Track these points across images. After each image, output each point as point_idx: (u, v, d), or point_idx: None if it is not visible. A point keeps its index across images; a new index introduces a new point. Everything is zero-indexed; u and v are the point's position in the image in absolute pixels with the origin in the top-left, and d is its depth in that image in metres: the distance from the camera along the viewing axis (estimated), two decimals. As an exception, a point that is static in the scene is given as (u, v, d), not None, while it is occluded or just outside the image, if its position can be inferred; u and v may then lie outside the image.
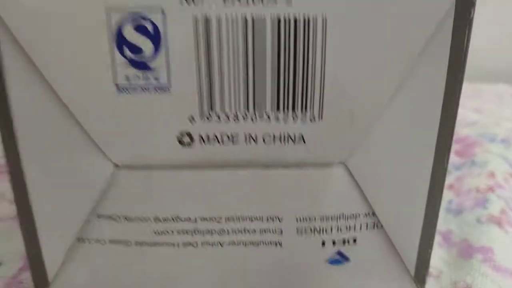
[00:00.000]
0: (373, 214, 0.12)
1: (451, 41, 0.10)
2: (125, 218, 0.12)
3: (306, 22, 0.10)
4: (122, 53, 0.10)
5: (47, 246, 0.13)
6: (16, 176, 0.12)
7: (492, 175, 0.21)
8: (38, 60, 0.10)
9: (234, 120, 0.11)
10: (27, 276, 0.15)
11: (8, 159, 0.11)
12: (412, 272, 0.13)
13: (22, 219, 0.12)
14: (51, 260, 0.13)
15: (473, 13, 0.10)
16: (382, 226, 0.13)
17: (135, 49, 0.10)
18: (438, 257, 0.17)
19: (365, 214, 0.12)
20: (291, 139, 0.11)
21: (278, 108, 0.11)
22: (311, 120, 0.11)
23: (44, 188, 0.12)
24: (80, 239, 0.13)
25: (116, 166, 0.12)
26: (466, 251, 0.16)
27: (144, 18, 0.10)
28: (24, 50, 0.10)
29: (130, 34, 0.10)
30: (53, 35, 0.10)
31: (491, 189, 0.20)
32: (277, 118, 0.11)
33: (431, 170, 0.12)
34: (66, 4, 0.10)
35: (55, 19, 0.10)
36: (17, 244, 0.13)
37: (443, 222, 0.19)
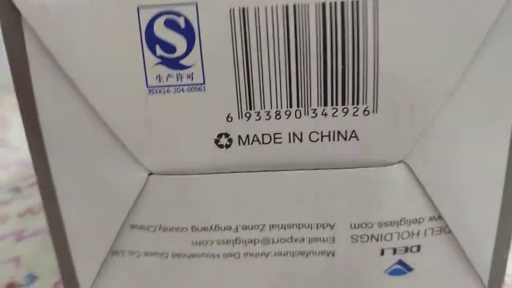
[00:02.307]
0: (439, 217, 0.13)
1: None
2: (161, 228, 0.14)
3: (355, 5, 0.11)
4: (153, 51, 0.12)
5: (80, 260, 0.14)
6: (45, 187, 0.13)
7: None
8: (64, 63, 0.12)
9: (276, 117, 0.12)
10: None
11: (37, 169, 0.13)
12: (486, 281, 0.14)
13: (53, 233, 0.14)
14: (84, 274, 0.14)
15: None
16: (450, 231, 0.13)
17: (167, 47, 0.12)
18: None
19: (430, 218, 0.13)
20: (342, 136, 0.12)
21: (325, 102, 0.12)
22: (364, 114, 0.12)
23: (75, 199, 0.14)
24: (114, 252, 0.14)
25: (150, 173, 0.13)
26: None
27: (175, 13, 0.11)
28: (50, 52, 0.12)
29: (161, 31, 0.11)
30: (79, 35, 0.12)
31: None
32: (325, 114, 0.12)
33: (506, 164, 0.13)
34: (93, 2, 0.11)
35: (82, 18, 0.12)
36: (54, 257, 0.15)
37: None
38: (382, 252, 0.14)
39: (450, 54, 0.11)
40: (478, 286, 0.14)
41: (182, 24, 0.11)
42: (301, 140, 0.12)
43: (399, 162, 0.12)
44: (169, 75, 0.12)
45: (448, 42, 0.11)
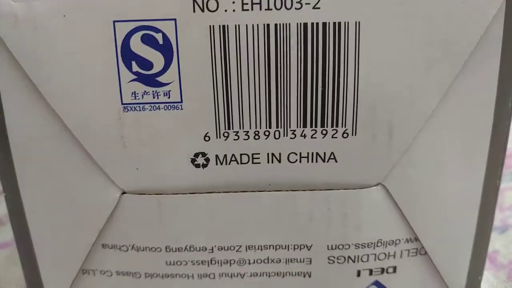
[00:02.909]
0: (416, 239, 0.13)
1: (502, 46, 0.11)
2: (133, 247, 0.13)
3: (337, 28, 0.11)
4: (129, 67, 0.11)
5: (49, 277, 0.14)
6: (13, 203, 0.13)
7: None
8: (35, 76, 0.11)
9: (255, 138, 0.12)
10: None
11: (5, 186, 0.13)
12: (461, 303, 0.14)
13: (21, 250, 0.13)
14: (53, 294, 0.14)
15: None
16: (425, 252, 0.13)
17: (144, 63, 0.11)
18: (484, 281, 0.17)
19: (407, 239, 0.13)
20: (321, 158, 0.12)
21: (305, 123, 0.12)
22: (343, 137, 0.12)
23: (43, 215, 0.13)
24: (84, 271, 0.14)
25: (123, 191, 0.13)
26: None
27: (153, 29, 0.11)
28: (21, 65, 0.11)
29: (138, 47, 0.11)
30: (52, 48, 0.11)
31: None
32: (304, 135, 0.12)
33: (481, 188, 0.13)
34: (67, 12, 0.11)
35: (55, 31, 0.11)
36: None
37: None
38: (359, 273, 0.14)
39: (430, 77, 0.11)
40: (453, 309, 0.14)
41: (160, 40, 0.11)
42: (279, 161, 0.12)
43: (377, 184, 0.12)
44: (145, 92, 0.12)
45: (429, 65, 0.11)
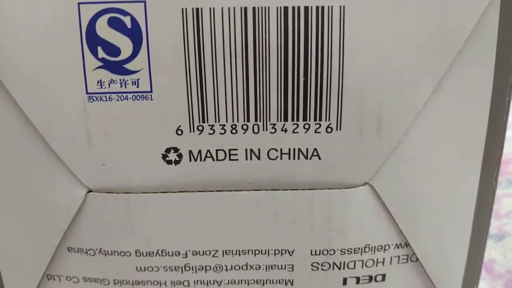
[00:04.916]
0: (406, 245, 0.12)
1: (498, 35, 0.10)
2: (101, 251, 0.12)
3: (320, 12, 0.10)
4: (94, 53, 0.10)
5: (12, 282, 0.13)
6: (-32, 203, 0.12)
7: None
8: (-8, 63, 0.11)
9: (232, 132, 0.11)
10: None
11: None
12: (455, 314, 0.13)
13: (-23, 255, 0.12)
14: (14, 302, 0.13)
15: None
16: (417, 259, 0.13)
17: (111, 49, 0.10)
18: None
19: (396, 245, 0.12)
20: (303, 154, 0.11)
21: (286, 117, 0.11)
22: (327, 131, 0.11)
23: (4, 217, 0.12)
24: (49, 276, 0.13)
25: (89, 190, 0.12)
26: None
27: (121, 12, 0.10)
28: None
29: (105, 31, 0.10)
30: (10, 32, 0.10)
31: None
32: (285, 130, 0.11)
33: (477, 189, 0.12)
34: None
35: (14, 13, 0.10)
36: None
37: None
38: (345, 282, 0.13)
39: (421, 66, 0.11)
40: (446, 320, 0.13)
41: (128, 23, 0.10)
42: (258, 158, 0.11)
43: (364, 184, 0.12)
44: (112, 80, 0.11)
45: (420, 54, 0.10)
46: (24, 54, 0.11)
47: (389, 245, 0.12)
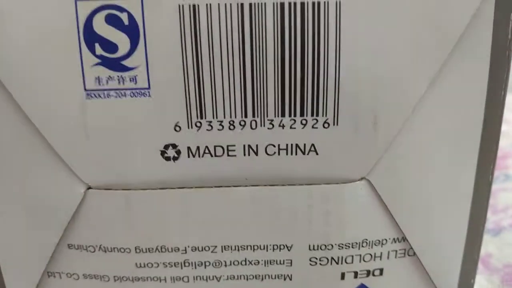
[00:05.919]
0: (404, 239, 0.12)
1: (493, 29, 0.10)
2: (101, 248, 0.12)
3: (316, 8, 0.10)
4: (92, 50, 0.10)
5: (12, 280, 0.13)
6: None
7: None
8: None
9: (230, 128, 0.11)
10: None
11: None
12: (453, 308, 0.13)
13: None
14: (15, 299, 0.13)
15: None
16: (414, 253, 0.13)
17: (108, 46, 0.10)
18: (477, 285, 0.16)
19: (394, 239, 0.12)
20: (300, 150, 0.11)
21: (283, 113, 0.11)
22: (324, 127, 0.11)
23: (4, 215, 0.12)
24: (49, 273, 0.13)
25: (88, 187, 0.12)
26: (511, 277, 0.17)
27: (118, 8, 0.10)
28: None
29: (102, 28, 0.10)
30: (8, 29, 0.10)
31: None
32: (282, 125, 0.11)
33: (473, 184, 0.12)
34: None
35: (11, 10, 0.10)
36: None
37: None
38: (343, 276, 0.13)
39: (417, 61, 0.11)
40: (444, 313, 0.13)
41: (125, 20, 0.10)
42: (256, 154, 0.11)
43: (361, 179, 0.12)
44: (109, 77, 0.11)
45: (415, 49, 0.10)
46: (22, 52, 0.10)
47: (386, 240, 0.12)
